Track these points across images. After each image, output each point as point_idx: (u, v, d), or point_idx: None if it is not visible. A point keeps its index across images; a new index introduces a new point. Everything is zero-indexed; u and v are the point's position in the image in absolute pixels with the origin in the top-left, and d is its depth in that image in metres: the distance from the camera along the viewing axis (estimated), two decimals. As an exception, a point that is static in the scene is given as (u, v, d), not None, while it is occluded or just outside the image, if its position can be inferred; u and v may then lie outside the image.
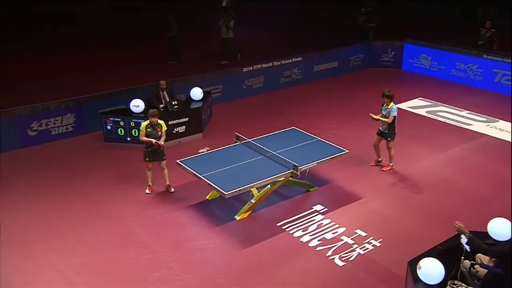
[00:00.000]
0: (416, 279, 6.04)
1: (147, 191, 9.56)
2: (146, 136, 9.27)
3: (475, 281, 6.05)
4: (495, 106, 13.83)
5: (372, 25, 18.14)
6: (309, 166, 9.00)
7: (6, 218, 8.61)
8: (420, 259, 6.36)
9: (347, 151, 9.67)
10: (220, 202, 9.26)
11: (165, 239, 8.23)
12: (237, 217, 8.77)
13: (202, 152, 10.26)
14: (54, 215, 8.87)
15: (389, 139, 10.24)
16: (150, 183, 9.60)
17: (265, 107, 14.00)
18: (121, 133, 11.49)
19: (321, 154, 9.39)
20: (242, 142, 9.87)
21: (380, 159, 10.57)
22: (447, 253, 6.46)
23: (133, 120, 11.37)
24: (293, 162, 8.78)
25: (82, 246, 8.04)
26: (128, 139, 11.49)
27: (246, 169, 8.90)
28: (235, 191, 8.23)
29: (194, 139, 11.76)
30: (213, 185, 8.39)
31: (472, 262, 6.13)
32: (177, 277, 7.35)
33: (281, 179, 8.90)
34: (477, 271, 6.01)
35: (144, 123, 9.34)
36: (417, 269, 6.01)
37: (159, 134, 9.33)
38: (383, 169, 10.41)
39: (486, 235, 6.81)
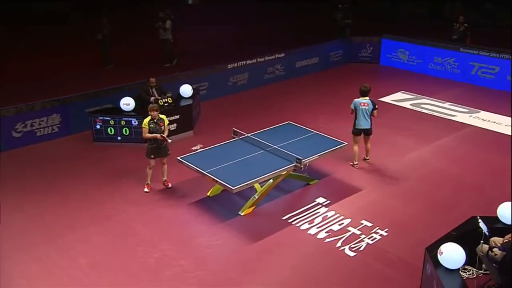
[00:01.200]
0: (437, 264, 6.14)
1: (146, 189, 9.37)
2: (150, 132, 9.09)
3: (493, 265, 6.19)
4: (474, 98, 14.22)
5: (349, 21, 18.43)
6: (311, 159, 9.03)
7: (3, 222, 8.26)
8: (437, 245, 6.50)
9: (345, 143, 9.75)
10: (221, 198, 9.18)
11: (171, 237, 8.08)
12: (241, 213, 8.70)
13: (196, 149, 10.14)
14: (53, 216, 8.60)
15: (370, 134, 10.19)
16: (149, 182, 9.41)
17: (252, 103, 13.96)
18: (111, 132, 11.22)
19: (321, 147, 9.43)
20: (240, 137, 9.80)
21: (357, 162, 10.30)
22: (460, 238, 6.58)
23: (124, 118, 11.13)
24: (296, 155, 8.78)
25: (87, 247, 7.81)
26: (119, 138, 11.23)
27: (249, 164, 8.85)
28: (242, 186, 8.16)
29: (185, 137, 11.60)
30: (219, 180, 8.29)
31: (490, 245, 6.27)
32: (190, 274, 7.22)
33: (283, 173, 8.89)
34: (496, 254, 6.14)
35: (146, 120, 9.15)
36: (438, 254, 6.11)
37: (163, 129, 9.17)
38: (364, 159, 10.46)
39: (495, 219, 7.02)
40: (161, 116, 9.27)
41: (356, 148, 10.21)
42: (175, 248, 7.80)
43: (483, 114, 13.11)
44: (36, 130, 11.36)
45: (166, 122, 9.31)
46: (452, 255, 6.01)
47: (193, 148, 10.45)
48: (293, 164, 8.75)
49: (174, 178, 9.63)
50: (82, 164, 10.49)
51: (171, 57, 17.01)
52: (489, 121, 12.68)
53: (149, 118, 9.17)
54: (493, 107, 13.42)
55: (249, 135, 9.74)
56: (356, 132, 10.16)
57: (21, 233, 8.11)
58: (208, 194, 9.25)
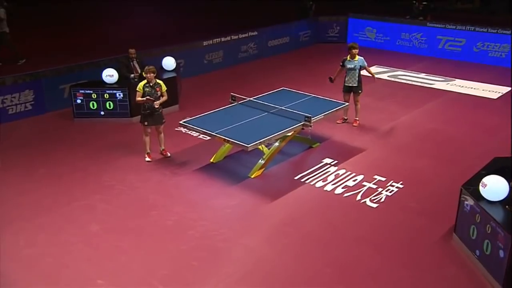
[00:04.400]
0: (479, 198, 6.07)
1: (147, 158, 8.79)
2: (144, 97, 8.51)
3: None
4: (446, 69, 14.51)
5: (311, 3, 18.51)
6: (319, 118, 8.79)
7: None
8: (471, 183, 6.46)
9: (347, 104, 9.65)
10: (226, 164, 8.80)
11: (184, 201, 7.60)
12: (251, 176, 8.34)
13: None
14: (47, 188, 7.92)
15: (360, 91, 10.31)
16: (149, 150, 8.84)
17: (231, 80, 13.57)
18: (93, 107, 10.50)
19: (324, 108, 9.22)
20: (240, 102, 9.43)
21: (346, 117, 10.54)
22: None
23: (107, 91, 10.45)
24: (304, 114, 8.52)
25: (95, 214, 7.20)
26: (102, 113, 10.53)
27: (257, 124, 8.51)
28: (256, 143, 7.80)
29: (171, 111, 11.00)
30: (231, 140, 7.89)
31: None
32: (215, 232, 6.79)
33: (292, 132, 8.61)
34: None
35: (141, 83, 8.58)
36: (481, 187, 6.04)
37: (159, 94, 8.62)
38: (354, 124, 10.41)
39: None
40: (158, 81, 8.74)
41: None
42: (191, 210, 7.32)
43: (459, 81, 13.43)
44: (8, 108, 10.45)
45: (164, 87, 8.76)
46: (496, 186, 5.95)
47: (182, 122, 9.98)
48: (302, 123, 8.49)
49: (171, 149, 9.13)
50: (66, 139, 9.77)
51: (15, 53, 14.07)
52: (466, 87, 13.00)
53: (144, 81, 8.61)
54: (466, 76, 13.79)
55: (250, 99, 9.40)
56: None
57: (14, 205, 7.37)
58: (211, 160, 8.83)
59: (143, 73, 8.67)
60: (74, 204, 7.42)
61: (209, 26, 18.99)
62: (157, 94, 8.59)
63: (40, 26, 19.31)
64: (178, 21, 20.95)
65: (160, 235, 6.73)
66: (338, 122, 10.49)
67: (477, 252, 6.11)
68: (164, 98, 8.71)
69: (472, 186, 6.39)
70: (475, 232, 6.15)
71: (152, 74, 8.53)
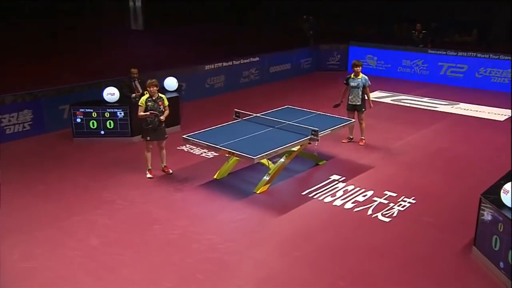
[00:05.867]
0: (501, 205, 5.78)
1: (149, 175, 8.50)
2: (147, 111, 8.28)
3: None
4: (449, 94, 14.42)
5: (311, 32, 18.71)
6: (326, 133, 8.56)
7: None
8: (490, 192, 6.18)
9: (353, 120, 9.44)
10: (230, 181, 8.51)
11: (189, 215, 7.26)
12: (257, 191, 8.04)
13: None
14: (46, 203, 7.61)
15: (363, 109, 10.12)
16: (150, 167, 8.55)
17: (233, 104, 13.23)
18: (93, 126, 10.25)
19: (330, 124, 9.01)
20: (244, 118, 9.22)
21: (351, 136, 10.33)
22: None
23: (108, 110, 10.22)
24: (311, 128, 8.30)
25: (95, 228, 6.86)
26: (102, 132, 10.27)
27: (262, 139, 8.26)
28: (263, 156, 7.53)
29: (173, 131, 10.76)
30: (236, 152, 7.62)
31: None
32: (221, 245, 6.43)
33: (298, 147, 8.36)
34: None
35: (143, 98, 8.37)
36: (503, 194, 5.76)
37: (162, 109, 8.40)
38: (360, 143, 10.17)
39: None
40: (160, 95, 8.54)
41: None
42: (195, 224, 6.99)
43: (463, 105, 13.31)
44: (5, 127, 10.20)
45: (166, 102, 8.57)
46: (518, 192, 5.67)
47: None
48: (309, 137, 8.25)
49: (173, 166, 8.84)
50: (65, 158, 9.48)
51: None
52: (471, 110, 12.87)
53: (146, 96, 8.41)
54: (470, 101, 13.66)
55: (255, 115, 9.20)
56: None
57: (11, 220, 7.01)
58: (214, 176, 8.54)
59: (146, 87, 8.47)
60: (73, 219, 7.07)
61: (212, 55, 19.02)
62: (159, 108, 8.38)
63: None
64: (179, 50, 21.01)
65: (164, 248, 6.37)
66: (344, 141, 10.26)
67: (501, 264, 5.77)
68: (167, 112, 8.49)
69: (492, 195, 6.11)
70: (498, 243, 5.82)
71: (155, 88, 8.34)
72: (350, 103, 10.12)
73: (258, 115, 9.28)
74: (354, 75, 10.09)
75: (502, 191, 5.80)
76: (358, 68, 10.03)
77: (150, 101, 8.33)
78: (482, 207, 6.18)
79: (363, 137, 10.22)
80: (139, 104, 8.35)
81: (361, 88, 10.04)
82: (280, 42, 20.30)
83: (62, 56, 19.32)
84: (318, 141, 8.34)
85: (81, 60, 18.45)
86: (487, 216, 6.05)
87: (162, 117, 8.36)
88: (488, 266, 5.98)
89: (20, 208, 7.39)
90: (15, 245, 6.39)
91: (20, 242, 6.46)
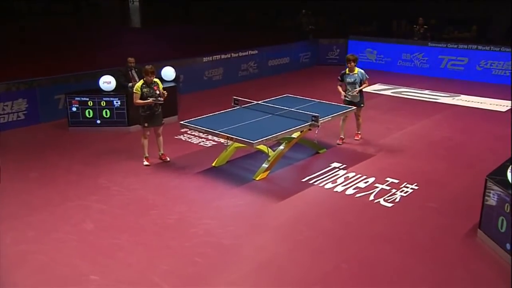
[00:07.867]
0: (508, 186, 5.62)
1: (146, 162, 8.32)
2: (144, 98, 8.10)
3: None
4: (450, 87, 14.29)
5: (311, 27, 18.55)
6: (327, 119, 8.38)
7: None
8: (496, 173, 6.02)
9: (354, 107, 9.26)
10: (228, 168, 8.34)
11: (187, 201, 7.08)
12: (256, 178, 7.86)
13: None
14: (39, 189, 7.42)
15: (362, 105, 9.53)
16: (147, 154, 8.37)
17: (231, 96, 13.15)
18: (89, 115, 10.06)
19: (331, 111, 8.84)
20: (243, 106, 9.05)
21: (343, 136, 9.61)
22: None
23: (104, 98, 10.04)
24: (312, 114, 8.13)
25: (90, 213, 6.67)
26: (98, 121, 10.09)
27: (262, 125, 8.08)
28: (262, 140, 7.36)
29: (170, 122, 10.59)
30: (235, 137, 7.44)
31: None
32: (219, 230, 6.26)
33: (299, 133, 8.20)
34: None
35: (138, 84, 8.18)
36: (509, 174, 5.60)
37: (158, 93, 8.22)
38: (355, 138, 9.73)
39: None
40: (155, 79, 8.34)
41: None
42: (194, 210, 6.81)
43: (464, 97, 13.16)
44: None
45: (161, 85, 8.40)
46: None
47: (182, 131, 9.56)
48: (310, 123, 8.08)
49: (171, 155, 8.67)
50: (60, 146, 9.30)
51: None
52: (473, 101, 12.72)
53: (141, 82, 8.21)
54: (471, 93, 13.50)
55: (254, 102, 9.03)
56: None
57: (3, 205, 6.83)
58: (213, 164, 8.36)
59: (143, 73, 8.29)
60: (67, 204, 6.90)
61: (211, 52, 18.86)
62: (155, 93, 8.20)
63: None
64: (178, 46, 20.86)
65: (161, 233, 6.19)
66: (338, 142, 9.57)
67: (508, 245, 5.60)
68: (166, 93, 8.32)
69: (495, 176, 5.95)
70: (505, 224, 5.66)
71: (152, 76, 8.16)
72: (348, 99, 9.44)
73: (257, 102, 9.11)
74: (349, 71, 9.41)
75: (509, 170, 5.64)
76: (352, 64, 9.33)
77: (145, 87, 8.14)
78: (488, 189, 6.01)
79: (359, 132, 9.76)
80: (134, 91, 8.15)
81: (359, 84, 9.41)
82: (279, 37, 20.19)
83: (59, 55, 19.14)
84: (318, 127, 8.16)
85: (79, 54, 18.28)
86: (493, 197, 5.88)
87: (161, 99, 8.17)
88: (494, 248, 5.82)
89: (12, 194, 7.20)
90: (8, 230, 6.20)
91: (13, 227, 6.27)
